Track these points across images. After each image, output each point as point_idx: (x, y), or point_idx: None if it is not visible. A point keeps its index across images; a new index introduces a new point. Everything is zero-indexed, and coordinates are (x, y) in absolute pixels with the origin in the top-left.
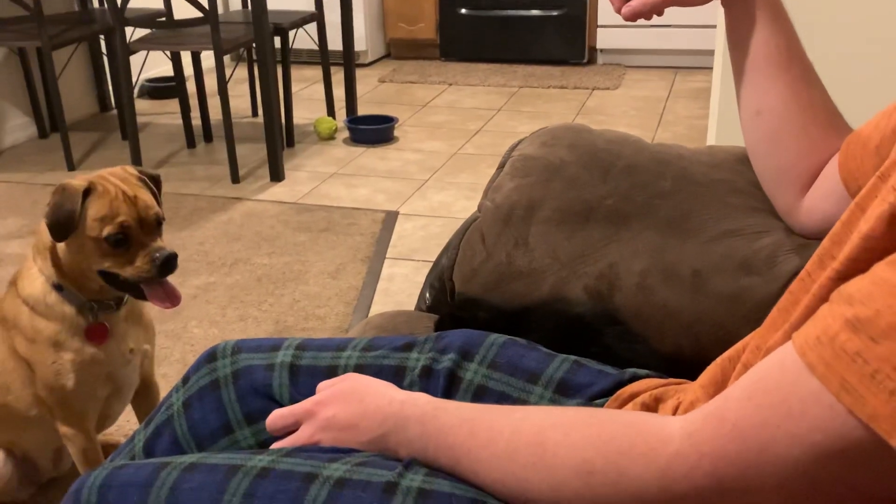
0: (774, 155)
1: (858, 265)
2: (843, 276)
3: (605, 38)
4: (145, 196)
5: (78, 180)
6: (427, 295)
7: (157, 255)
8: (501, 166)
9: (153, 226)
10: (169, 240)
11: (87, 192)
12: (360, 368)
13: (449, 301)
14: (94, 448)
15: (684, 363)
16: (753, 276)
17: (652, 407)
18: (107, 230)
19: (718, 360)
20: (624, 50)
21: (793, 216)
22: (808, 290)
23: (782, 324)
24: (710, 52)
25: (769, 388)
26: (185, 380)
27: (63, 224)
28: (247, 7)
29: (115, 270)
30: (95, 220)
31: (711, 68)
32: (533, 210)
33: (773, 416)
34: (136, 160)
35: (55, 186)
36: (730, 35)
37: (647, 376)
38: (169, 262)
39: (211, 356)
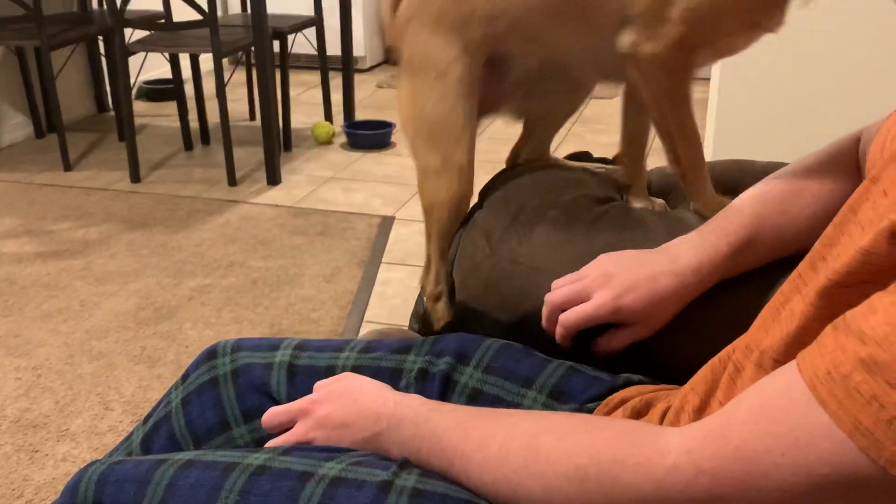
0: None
1: (859, 277)
2: (842, 285)
3: None
4: None
5: None
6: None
7: None
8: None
9: None
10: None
11: None
12: (357, 369)
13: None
14: None
15: (689, 368)
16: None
17: (643, 412)
18: None
19: (708, 362)
20: None
21: None
22: (798, 291)
23: (772, 323)
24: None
25: (776, 416)
26: (185, 377)
27: None
28: (246, 11)
29: None
30: None
31: (709, 79)
32: (543, 208)
33: (779, 445)
34: (133, 162)
35: None
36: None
37: (641, 381)
38: None
39: (211, 354)
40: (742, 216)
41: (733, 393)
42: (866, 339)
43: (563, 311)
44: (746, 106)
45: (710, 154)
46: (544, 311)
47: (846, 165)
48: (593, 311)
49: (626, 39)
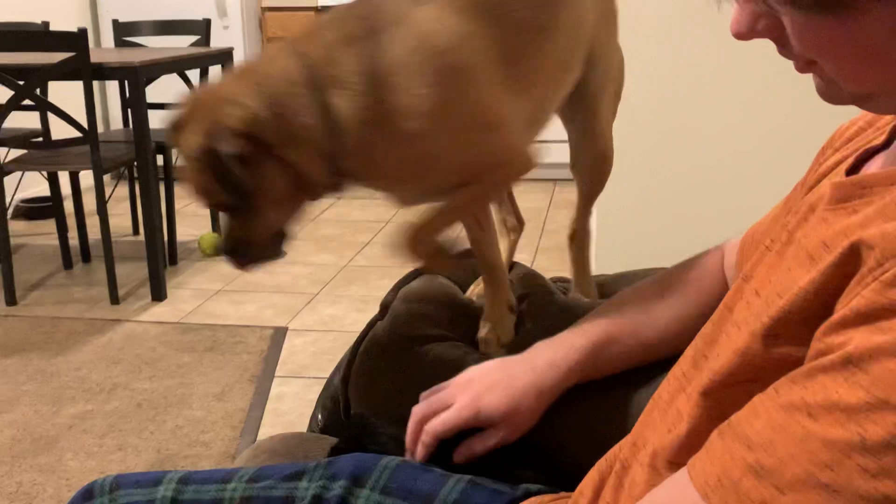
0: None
1: (739, 377)
2: (724, 384)
3: None
4: None
5: None
6: (319, 417)
7: None
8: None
9: None
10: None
11: None
12: (246, 501)
13: (343, 417)
14: None
15: (585, 472)
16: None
17: None
18: None
19: (596, 464)
20: None
21: None
22: (683, 389)
23: (659, 421)
24: None
25: None
26: None
27: None
28: (128, 126)
29: None
30: None
31: None
32: (442, 337)
33: None
34: (9, 283)
35: None
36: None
37: (540, 491)
38: None
39: (87, 494)
40: (601, 316)
41: (621, 492)
42: (752, 445)
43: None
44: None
45: (592, 250)
46: (409, 424)
47: (710, 274)
48: (455, 416)
49: None
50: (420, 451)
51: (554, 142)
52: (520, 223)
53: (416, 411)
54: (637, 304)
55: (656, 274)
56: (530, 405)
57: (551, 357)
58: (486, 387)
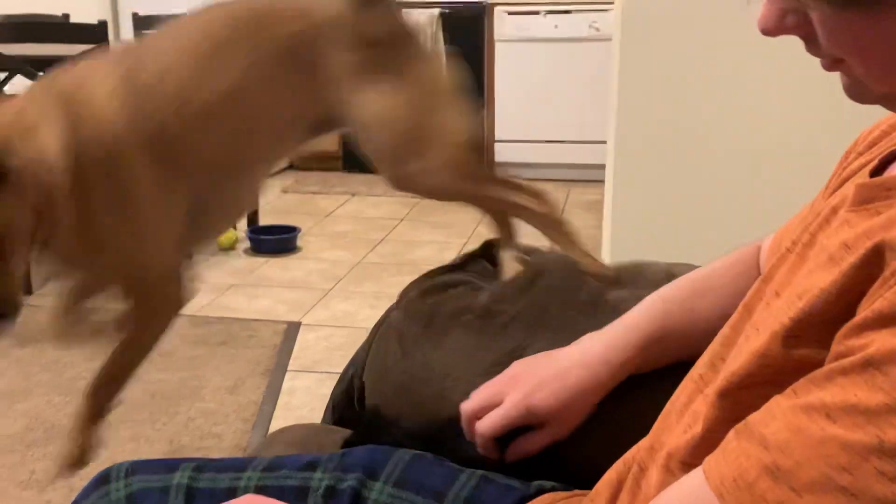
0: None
1: (756, 379)
2: (741, 386)
3: (502, 152)
4: None
5: None
6: (333, 410)
7: None
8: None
9: None
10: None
11: None
12: (260, 489)
13: (356, 407)
14: None
15: (600, 470)
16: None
17: None
18: None
19: (613, 465)
20: (521, 164)
21: None
22: (700, 391)
23: (676, 423)
24: (602, 167)
25: None
26: None
27: None
28: None
29: None
30: None
31: (603, 181)
32: (458, 313)
33: None
34: (25, 280)
35: None
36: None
37: (553, 488)
38: None
39: (103, 479)
40: (650, 312)
41: (637, 494)
42: (769, 446)
43: (479, 418)
44: (642, 209)
45: (608, 252)
46: (462, 422)
47: (748, 270)
48: (505, 414)
49: None
50: (489, 453)
51: (569, 142)
52: (538, 198)
53: (466, 409)
54: (680, 302)
55: (696, 270)
56: (584, 402)
57: (603, 354)
58: (535, 384)
